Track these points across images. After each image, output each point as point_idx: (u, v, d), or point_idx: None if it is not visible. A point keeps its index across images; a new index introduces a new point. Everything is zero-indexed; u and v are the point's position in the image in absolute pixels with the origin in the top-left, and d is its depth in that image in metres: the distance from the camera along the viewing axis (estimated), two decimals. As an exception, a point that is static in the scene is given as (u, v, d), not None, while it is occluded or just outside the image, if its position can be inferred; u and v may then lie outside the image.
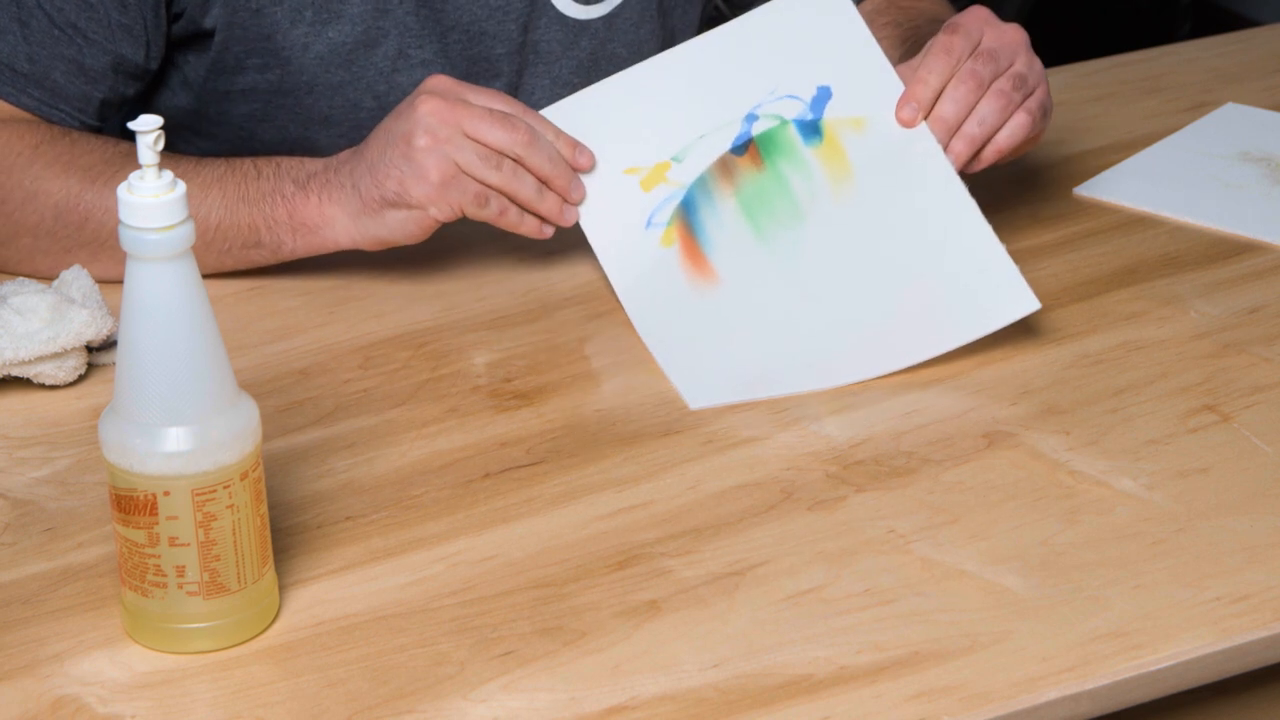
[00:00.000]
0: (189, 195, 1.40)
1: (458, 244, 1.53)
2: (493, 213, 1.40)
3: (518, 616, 1.14)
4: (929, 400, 1.34)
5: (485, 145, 1.38)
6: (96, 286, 1.39)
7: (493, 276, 1.50)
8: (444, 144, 1.37)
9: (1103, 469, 1.27)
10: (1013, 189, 1.63)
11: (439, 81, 1.40)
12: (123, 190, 1.05)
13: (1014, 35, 1.45)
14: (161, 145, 1.05)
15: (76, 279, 1.39)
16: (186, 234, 1.06)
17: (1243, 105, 1.77)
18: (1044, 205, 1.61)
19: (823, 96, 1.47)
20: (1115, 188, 1.63)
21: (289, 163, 1.44)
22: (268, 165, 1.44)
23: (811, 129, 1.46)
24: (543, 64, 1.59)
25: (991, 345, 1.40)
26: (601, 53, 1.60)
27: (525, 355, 1.40)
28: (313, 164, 1.43)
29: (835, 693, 1.08)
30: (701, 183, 1.46)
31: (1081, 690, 1.09)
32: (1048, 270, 1.50)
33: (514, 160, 1.39)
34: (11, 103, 1.47)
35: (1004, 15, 1.50)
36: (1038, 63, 1.46)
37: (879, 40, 1.54)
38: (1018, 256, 1.52)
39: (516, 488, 1.26)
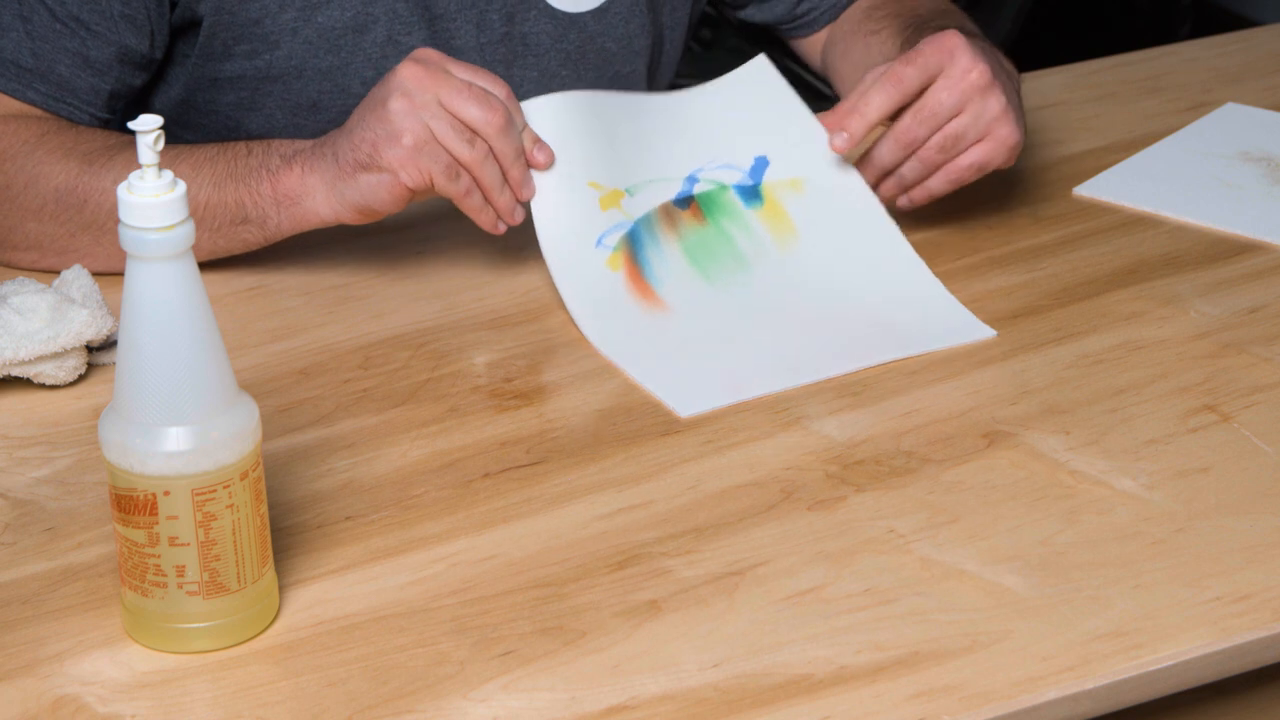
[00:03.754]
0: (180, 172, 1.40)
1: (458, 244, 1.53)
2: (460, 189, 1.38)
3: (518, 616, 1.14)
4: (929, 400, 1.34)
5: (460, 119, 1.37)
6: (96, 286, 1.39)
7: (493, 276, 1.50)
8: (420, 109, 1.36)
9: (1103, 469, 1.27)
10: (1013, 189, 1.63)
11: (425, 51, 1.40)
12: (123, 190, 1.05)
13: (972, 79, 1.45)
14: (161, 145, 1.05)
15: (77, 279, 1.39)
16: (186, 234, 1.06)
17: (1243, 105, 1.77)
18: (1044, 205, 1.61)
19: (760, 165, 1.50)
20: (1115, 188, 1.63)
21: (280, 141, 1.44)
22: (259, 144, 1.44)
23: (751, 193, 1.49)
24: (531, 56, 1.59)
25: (992, 345, 1.40)
26: (590, 46, 1.61)
27: (525, 355, 1.40)
28: (303, 142, 1.43)
29: (835, 693, 1.08)
30: (647, 222, 1.47)
31: (1081, 690, 1.09)
32: (1048, 270, 1.51)
33: (485, 141, 1.38)
34: (18, 98, 1.48)
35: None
36: (994, 104, 1.45)
37: (880, 31, 1.55)
38: (1018, 256, 1.52)
39: (516, 488, 1.26)
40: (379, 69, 1.53)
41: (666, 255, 1.46)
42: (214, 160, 1.43)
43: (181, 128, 1.59)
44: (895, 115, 1.46)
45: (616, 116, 1.48)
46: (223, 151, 1.44)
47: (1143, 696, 1.12)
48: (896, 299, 1.44)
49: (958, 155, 1.46)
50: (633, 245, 1.46)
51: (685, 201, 1.48)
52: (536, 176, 1.43)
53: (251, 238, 1.45)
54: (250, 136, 1.55)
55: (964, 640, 1.12)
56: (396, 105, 1.36)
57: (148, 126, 1.05)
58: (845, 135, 1.45)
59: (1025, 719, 1.08)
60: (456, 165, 1.37)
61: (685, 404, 1.34)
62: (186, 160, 1.42)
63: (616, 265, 1.45)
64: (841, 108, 1.47)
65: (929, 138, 1.46)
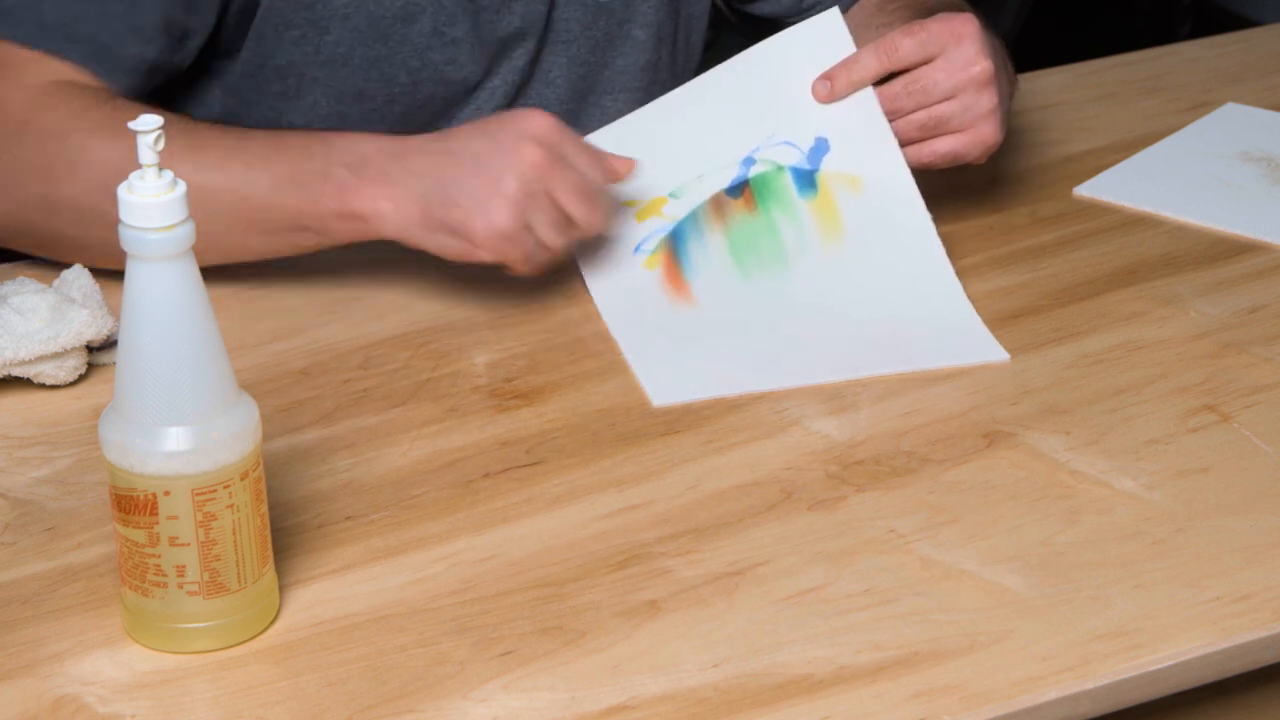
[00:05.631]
0: (233, 171, 1.36)
1: (458, 244, 1.53)
2: (527, 270, 1.39)
3: (518, 616, 1.14)
4: (929, 400, 1.34)
5: (564, 212, 1.37)
6: (97, 286, 1.39)
7: (493, 276, 1.49)
8: (529, 200, 1.35)
9: (1103, 469, 1.27)
10: (1013, 189, 1.63)
11: (550, 130, 1.37)
12: (123, 190, 1.05)
13: (974, 73, 1.45)
14: (162, 145, 1.05)
15: (77, 279, 1.39)
16: (186, 234, 1.06)
17: (1243, 105, 1.77)
18: (1044, 205, 1.61)
19: (820, 148, 1.48)
20: (1115, 188, 1.63)
21: (340, 143, 1.39)
22: (317, 144, 1.39)
23: (807, 180, 1.47)
24: (561, 43, 1.60)
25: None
26: (618, 33, 1.61)
27: (525, 355, 1.40)
28: (363, 144, 1.38)
29: (835, 693, 1.08)
30: (693, 217, 1.47)
31: (1081, 690, 1.09)
32: (1048, 270, 1.51)
33: (579, 233, 1.39)
34: (64, 57, 1.42)
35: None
36: (987, 100, 1.46)
37: (892, 24, 1.55)
38: (1018, 256, 1.53)
39: (516, 488, 1.26)
40: (424, 60, 1.53)
41: (709, 249, 1.46)
42: (269, 159, 1.38)
43: (225, 118, 1.57)
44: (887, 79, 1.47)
45: (657, 122, 1.47)
46: (278, 150, 1.39)
47: (1143, 696, 1.12)
48: (921, 318, 1.43)
49: (935, 138, 1.47)
50: (674, 242, 1.46)
51: (739, 189, 1.47)
52: None
53: (307, 244, 1.41)
54: (291, 125, 1.53)
55: (964, 640, 1.12)
56: (509, 189, 1.35)
57: (148, 126, 1.05)
58: (828, 85, 1.46)
59: (1025, 719, 1.08)
60: (538, 251, 1.38)
61: (662, 393, 1.34)
62: (239, 156, 1.38)
63: (654, 264, 1.46)
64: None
65: (913, 112, 1.46)
